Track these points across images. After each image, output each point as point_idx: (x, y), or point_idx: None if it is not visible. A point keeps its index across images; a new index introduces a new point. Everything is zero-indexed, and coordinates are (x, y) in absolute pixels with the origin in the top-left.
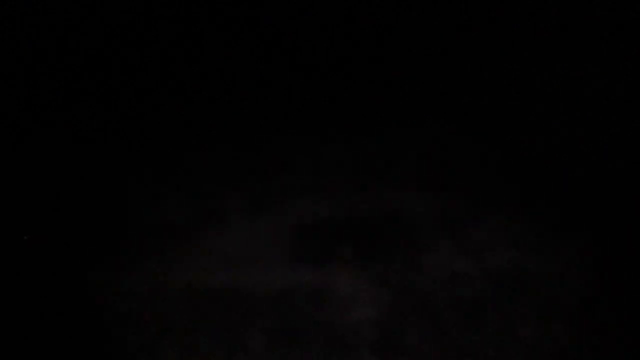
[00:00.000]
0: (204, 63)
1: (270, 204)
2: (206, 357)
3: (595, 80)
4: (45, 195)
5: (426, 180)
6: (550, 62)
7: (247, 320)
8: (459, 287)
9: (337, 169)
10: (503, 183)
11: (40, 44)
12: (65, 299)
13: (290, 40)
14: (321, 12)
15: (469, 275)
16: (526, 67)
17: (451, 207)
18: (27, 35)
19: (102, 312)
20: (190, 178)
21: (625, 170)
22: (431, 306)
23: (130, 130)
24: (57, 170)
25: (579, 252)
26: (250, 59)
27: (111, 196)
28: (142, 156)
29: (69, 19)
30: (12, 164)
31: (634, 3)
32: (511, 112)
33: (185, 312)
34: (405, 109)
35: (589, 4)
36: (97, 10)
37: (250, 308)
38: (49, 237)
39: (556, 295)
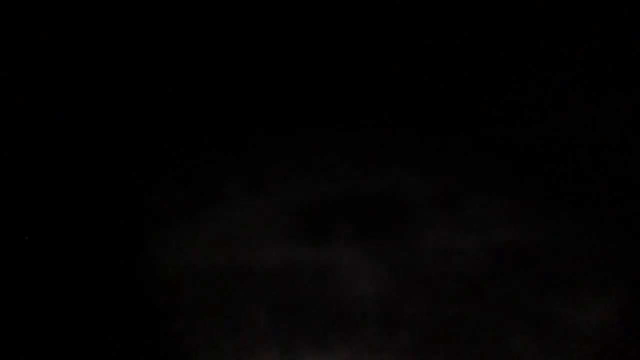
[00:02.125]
0: (202, 48)
1: (269, 184)
2: (211, 333)
3: (595, 60)
4: (45, 183)
5: (424, 158)
6: (552, 41)
7: (251, 297)
8: (458, 262)
9: (336, 149)
10: (500, 160)
11: (41, 44)
12: (68, 283)
13: (289, 28)
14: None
15: (468, 251)
16: (524, 49)
17: (449, 185)
18: (27, 35)
19: (104, 295)
20: (188, 159)
21: (622, 146)
22: (431, 280)
23: (128, 115)
24: (55, 157)
25: (579, 228)
26: (249, 45)
27: (110, 180)
28: (140, 139)
29: (67, 20)
30: (12, 160)
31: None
32: (508, 91)
33: (188, 291)
34: (403, 90)
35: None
36: (96, 11)
37: (253, 286)
38: (51, 229)
39: (557, 270)
